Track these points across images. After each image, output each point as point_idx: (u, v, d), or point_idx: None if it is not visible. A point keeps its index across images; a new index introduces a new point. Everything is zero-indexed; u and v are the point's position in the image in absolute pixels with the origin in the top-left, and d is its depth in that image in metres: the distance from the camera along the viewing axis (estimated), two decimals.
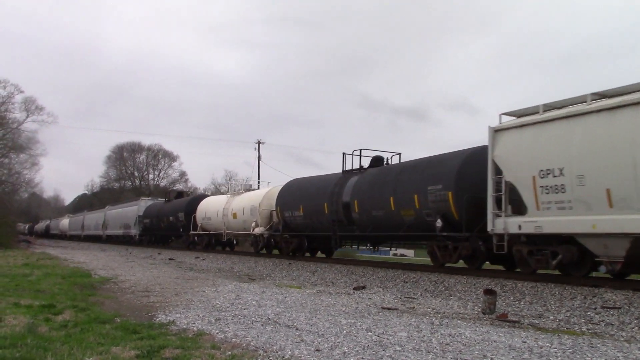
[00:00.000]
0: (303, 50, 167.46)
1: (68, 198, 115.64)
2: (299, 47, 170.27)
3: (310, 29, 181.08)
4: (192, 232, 32.90)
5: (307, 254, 23.44)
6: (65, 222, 75.36)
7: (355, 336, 6.84)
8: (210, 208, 31.03)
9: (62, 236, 73.38)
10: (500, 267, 14.94)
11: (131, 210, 45.53)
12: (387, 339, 6.71)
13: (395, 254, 58.33)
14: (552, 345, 6.54)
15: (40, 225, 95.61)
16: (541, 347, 6.36)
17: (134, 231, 43.98)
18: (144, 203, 44.23)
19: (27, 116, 48.30)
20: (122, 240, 47.71)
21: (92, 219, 59.02)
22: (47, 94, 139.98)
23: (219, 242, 31.65)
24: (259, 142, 54.84)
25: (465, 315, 9.18)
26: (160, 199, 45.33)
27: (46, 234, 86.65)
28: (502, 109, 15.64)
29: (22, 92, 47.38)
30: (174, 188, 67.88)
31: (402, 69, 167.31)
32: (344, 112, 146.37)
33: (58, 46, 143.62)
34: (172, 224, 36.84)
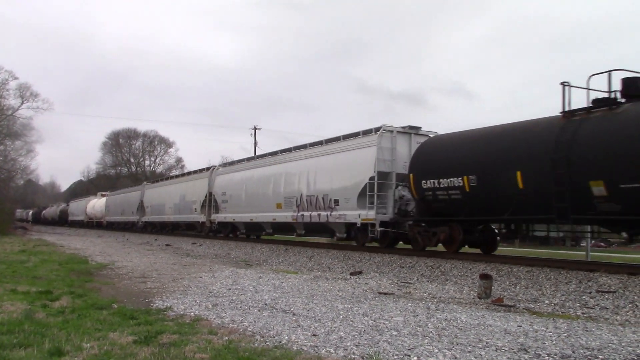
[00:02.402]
0: (297, 34, 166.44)
1: (64, 185, 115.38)
2: (292, 31, 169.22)
3: (303, 13, 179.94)
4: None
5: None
6: (97, 203, 55.57)
7: (352, 321, 6.87)
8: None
9: (91, 224, 56.28)
10: None
11: (199, 185, 30.61)
12: (384, 323, 6.75)
13: None
14: (547, 329, 6.59)
15: (51, 211, 79.52)
16: (536, 331, 6.41)
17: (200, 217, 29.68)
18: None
19: (22, 103, 48.01)
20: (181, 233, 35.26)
21: (130, 201, 44.57)
22: (41, 80, 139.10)
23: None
24: (255, 128, 54.67)
25: (461, 300, 9.24)
26: None
27: (61, 221, 70.26)
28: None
29: (16, 78, 47.01)
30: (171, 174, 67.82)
31: (397, 54, 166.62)
32: (339, 97, 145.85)
33: (50, 32, 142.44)
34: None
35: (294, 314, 7.34)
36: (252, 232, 26.69)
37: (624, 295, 8.91)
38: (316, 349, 5.35)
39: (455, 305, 8.54)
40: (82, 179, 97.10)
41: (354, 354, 5.19)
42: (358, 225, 17.06)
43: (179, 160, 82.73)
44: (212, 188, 28.53)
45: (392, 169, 16.57)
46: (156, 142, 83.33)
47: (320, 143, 20.70)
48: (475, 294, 9.66)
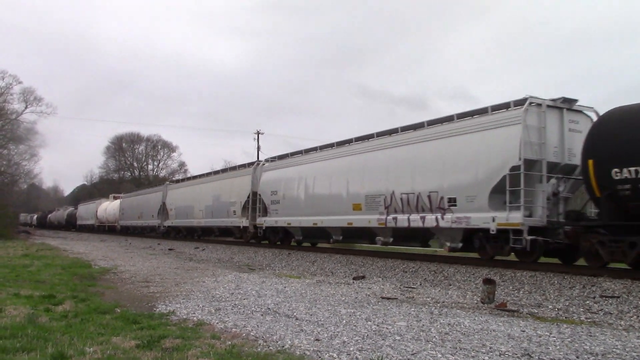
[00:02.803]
0: (299, 39, 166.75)
1: (67, 189, 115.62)
2: (295, 36, 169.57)
3: (306, 18, 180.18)
4: None
5: None
6: (110, 206, 51.88)
7: (355, 326, 6.86)
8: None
9: (102, 229, 52.97)
10: None
11: (239, 183, 26.78)
12: (387, 328, 6.73)
13: None
14: (550, 334, 6.56)
15: (57, 215, 76.45)
16: (540, 336, 6.38)
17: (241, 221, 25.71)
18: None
19: (26, 107, 48.17)
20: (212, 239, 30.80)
21: (150, 203, 40.17)
22: (45, 85, 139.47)
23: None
24: (258, 133, 54.72)
25: (465, 305, 9.21)
26: None
27: (68, 226, 67.87)
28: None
29: (20, 82, 47.21)
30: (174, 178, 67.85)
31: (399, 58, 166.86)
32: (341, 102, 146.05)
33: (52, 37, 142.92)
34: None
35: (296, 319, 7.33)
36: (313, 240, 22.67)
37: (627, 300, 8.88)
38: (319, 353, 5.34)
39: (458, 310, 8.51)
40: (86, 183, 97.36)
41: (357, 358, 5.17)
42: (492, 232, 12.81)
43: (182, 165, 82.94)
44: (256, 187, 24.26)
45: (542, 155, 12.54)
46: (159, 147, 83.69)
47: (420, 126, 15.99)
48: (478, 299, 9.63)
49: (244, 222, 25.18)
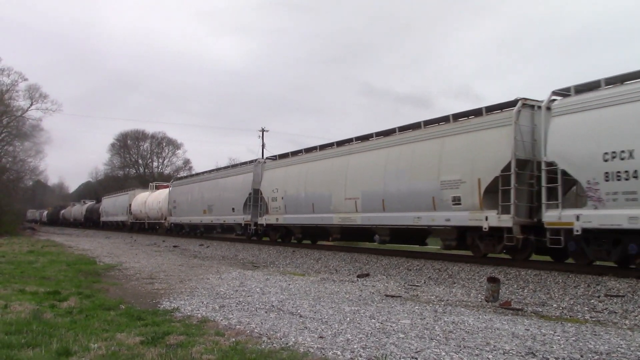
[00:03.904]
0: (303, 37, 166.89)
1: (72, 186, 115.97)
2: (299, 34, 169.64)
3: (310, 16, 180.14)
4: None
5: None
6: (152, 198, 41.30)
7: (359, 323, 6.86)
8: None
9: (139, 227, 43.30)
10: None
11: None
12: (391, 326, 6.73)
13: None
14: (555, 333, 6.54)
15: (74, 211, 67.27)
16: (544, 335, 6.37)
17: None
18: None
19: (31, 104, 48.27)
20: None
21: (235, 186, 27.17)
22: (50, 83, 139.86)
23: None
24: (262, 130, 54.64)
25: (469, 303, 9.20)
26: None
27: (88, 223, 59.26)
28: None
29: (26, 79, 47.28)
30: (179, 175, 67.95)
31: (403, 57, 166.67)
32: (346, 100, 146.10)
33: (58, 35, 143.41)
34: None
35: (301, 316, 7.34)
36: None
37: (632, 300, 8.85)
38: (323, 351, 5.34)
39: (462, 309, 8.50)
40: (91, 180, 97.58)
41: (361, 356, 5.17)
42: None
43: (186, 162, 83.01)
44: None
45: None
46: (164, 144, 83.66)
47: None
48: (482, 297, 9.62)
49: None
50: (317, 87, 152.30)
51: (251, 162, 26.14)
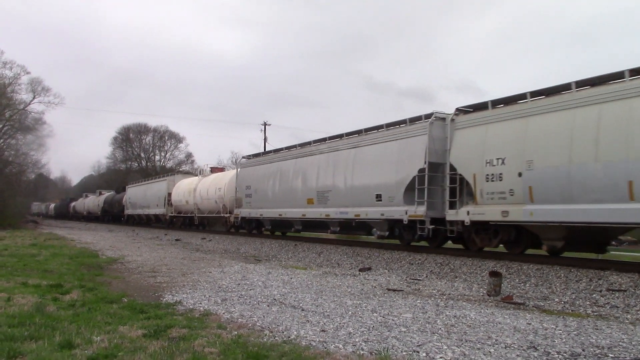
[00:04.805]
0: (305, 30, 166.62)
1: (74, 179, 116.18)
2: (301, 27, 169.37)
3: (311, 9, 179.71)
4: None
5: None
6: (203, 185, 31.67)
7: (361, 317, 6.87)
8: None
9: (182, 222, 35.65)
10: None
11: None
12: (392, 320, 6.74)
13: None
14: (557, 327, 6.55)
15: (88, 202, 59.05)
16: (546, 329, 6.38)
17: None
18: None
19: (34, 97, 48.25)
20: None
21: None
22: (52, 76, 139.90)
23: None
24: (265, 124, 54.66)
25: (471, 297, 9.20)
26: None
27: (108, 217, 51.92)
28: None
29: (28, 73, 47.24)
30: (181, 169, 67.98)
31: (406, 50, 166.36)
32: (348, 93, 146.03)
33: (59, 28, 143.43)
34: None
35: (302, 310, 7.35)
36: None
37: (634, 294, 8.84)
38: (325, 344, 5.35)
39: (464, 303, 8.51)
40: (93, 173, 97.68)
41: (362, 349, 5.18)
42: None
43: (189, 156, 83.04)
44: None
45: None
46: (166, 137, 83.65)
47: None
48: (484, 292, 9.62)
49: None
50: (319, 80, 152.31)
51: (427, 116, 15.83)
